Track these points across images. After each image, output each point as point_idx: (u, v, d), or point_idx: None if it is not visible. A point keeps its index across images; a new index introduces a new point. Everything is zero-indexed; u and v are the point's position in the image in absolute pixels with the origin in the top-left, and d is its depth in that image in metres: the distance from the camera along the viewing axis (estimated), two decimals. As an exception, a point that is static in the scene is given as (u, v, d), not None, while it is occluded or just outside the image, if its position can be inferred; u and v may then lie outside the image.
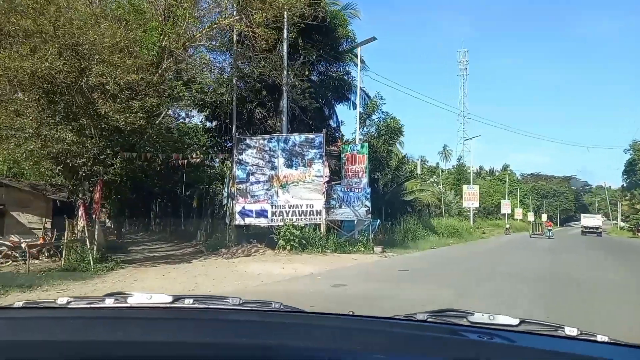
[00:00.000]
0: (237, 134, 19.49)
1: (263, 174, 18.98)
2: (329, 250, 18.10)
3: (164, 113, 18.99)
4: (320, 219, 18.72)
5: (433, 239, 28.01)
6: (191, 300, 1.43)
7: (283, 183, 18.89)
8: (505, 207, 73.97)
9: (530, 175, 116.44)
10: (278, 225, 18.49)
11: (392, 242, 23.04)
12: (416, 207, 37.26)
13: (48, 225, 17.34)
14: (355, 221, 20.27)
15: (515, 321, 1.24)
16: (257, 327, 1.25)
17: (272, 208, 18.82)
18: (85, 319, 1.32)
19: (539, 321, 1.33)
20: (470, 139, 53.12)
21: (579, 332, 1.23)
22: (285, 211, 18.76)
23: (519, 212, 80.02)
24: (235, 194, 18.90)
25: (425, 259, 18.65)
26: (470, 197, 45.17)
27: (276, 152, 19.00)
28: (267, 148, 19.04)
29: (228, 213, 19.23)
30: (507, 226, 53.15)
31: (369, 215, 20.21)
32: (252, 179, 18.97)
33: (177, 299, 1.41)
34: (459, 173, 69.68)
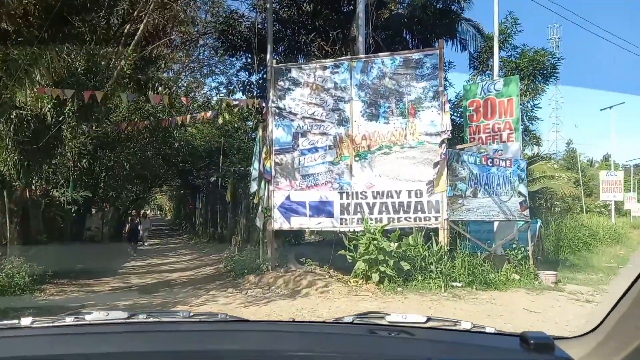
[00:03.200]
0: (273, 61, 10.63)
1: (323, 133, 10.02)
2: (458, 284, 8.80)
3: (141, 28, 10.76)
4: (437, 218, 9.42)
5: (600, 248, 17.63)
6: (145, 315, 1.52)
7: (362, 151, 9.84)
8: (630, 202, 59.71)
9: (636, 167, 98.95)
10: (354, 232, 9.48)
11: (543, 257, 13.18)
12: (537, 201, 26.75)
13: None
14: (495, 224, 10.79)
15: (423, 319, 1.43)
16: (205, 335, 1.37)
17: (341, 198, 9.83)
18: (47, 336, 1.38)
19: (442, 318, 1.55)
20: (611, 107, 39.49)
21: (472, 326, 1.43)
22: (368, 204, 9.68)
23: (638, 208, 65.42)
24: (273, 172, 10.12)
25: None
26: (611, 187, 33.43)
27: (347, 91, 9.96)
28: (329, 84, 10.04)
29: (260, 208, 10.46)
30: (652, 226, 40.31)
31: (526, 212, 10.62)
32: (302, 143, 10.08)
33: (132, 314, 1.50)
34: (569, 160, 57.08)
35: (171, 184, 39.40)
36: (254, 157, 10.73)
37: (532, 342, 1.15)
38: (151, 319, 1.50)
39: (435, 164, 9.21)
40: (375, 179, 9.70)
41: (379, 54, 10.27)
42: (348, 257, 9.25)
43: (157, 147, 18.69)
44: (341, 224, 9.81)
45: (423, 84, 9.54)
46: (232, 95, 17.89)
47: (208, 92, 22.96)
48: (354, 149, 9.85)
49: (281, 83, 10.24)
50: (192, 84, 22.57)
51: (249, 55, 16.24)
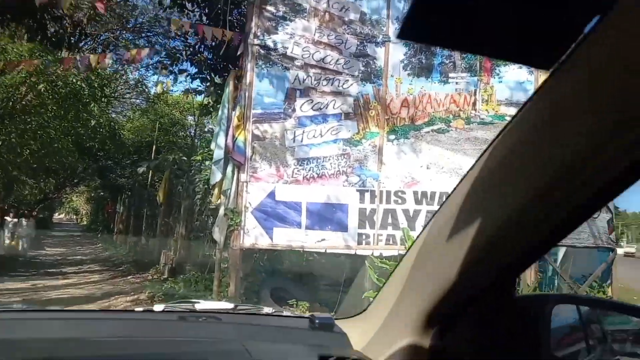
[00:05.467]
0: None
1: (337, 92, 6.13)
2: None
3: None
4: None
5: None
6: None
7: (400, 124, 6.07)
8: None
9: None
10: (380, 256, 5.60)
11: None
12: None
13: None
14: (561, 250, 7.40)
15: (231, 305, 1.58)
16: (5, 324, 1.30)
17: (361, 200, 5.96)
18: None
19: (249, 305, 1.80)
20: None
21: (273, 310, 1.62)
22: (406, 211, 5.88)
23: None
24: (249, 151, 6.04)
25: None
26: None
27: (382, 27, 6.18)
28: (352, 15, 6.17)
29: (222, 211, 6.25)
30: None
31: (613, 235, 7.36)
32: (302, 106, 6.11)
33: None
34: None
35: (89, 183, 33.85)
36: (217, 128, 6.55)
37: (317, 322, 1.29)
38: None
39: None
40: (421, 172, 5.94)
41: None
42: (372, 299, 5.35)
43: (65, 124, 13.72)
44: (360, 243, 5.91)
45: None
46: (177, 66, 13.22)
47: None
48: (388, 120, 6.05)
49: (271, 8, 6.24)
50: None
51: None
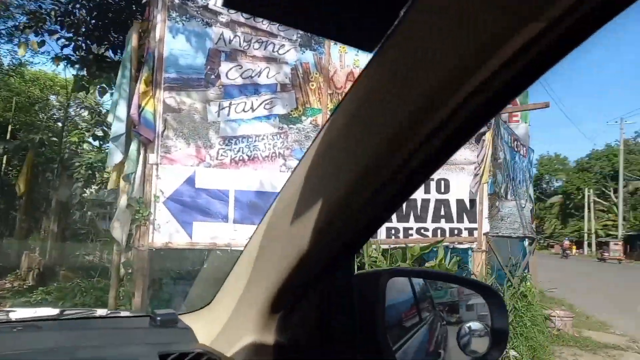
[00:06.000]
0: None
1: (271, 58, 5.13)
2: (515, 354, 4.89)
3: None
4: (471, 232, 5.39)
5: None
6: None
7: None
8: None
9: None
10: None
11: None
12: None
13: None
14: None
15: (56, 311, 1.39)
16: None
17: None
18: None
19: (80, 309, 1.63)
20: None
21: (108, 312, 1.56)
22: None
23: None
24: (160, 125, 4.75)
25: None
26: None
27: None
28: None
29: (124, 200, 4.87)
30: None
31: (534, 225, 7.50)
32: (228, 73, 4.98)
33: None
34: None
35: None
36: (116, 94, 5.12)
37: (158, 319, 1.18)
38: None
39: (479, 137, 5.24)
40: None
41: None
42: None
43: None
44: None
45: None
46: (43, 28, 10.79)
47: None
48: (331, 96, 5.21)
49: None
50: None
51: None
